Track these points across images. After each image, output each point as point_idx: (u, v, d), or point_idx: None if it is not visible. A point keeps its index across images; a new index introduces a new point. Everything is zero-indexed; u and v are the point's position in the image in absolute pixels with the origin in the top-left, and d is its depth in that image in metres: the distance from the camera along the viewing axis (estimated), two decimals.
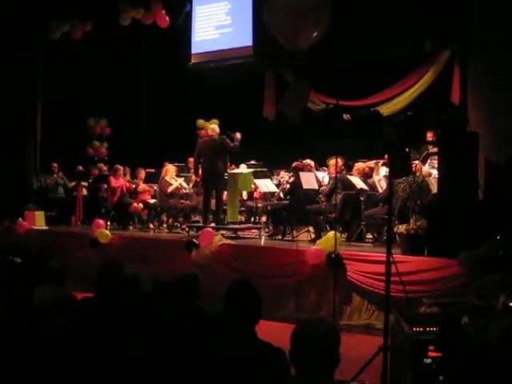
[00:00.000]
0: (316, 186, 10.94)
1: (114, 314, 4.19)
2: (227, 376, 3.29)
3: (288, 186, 11.71)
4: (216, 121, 13.61)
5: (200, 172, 12.06)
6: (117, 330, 3.88)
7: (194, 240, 10.25)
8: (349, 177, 10.84)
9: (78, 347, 3.41)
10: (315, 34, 7.98)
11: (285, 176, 12.54)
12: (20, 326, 3.61)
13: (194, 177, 12.98)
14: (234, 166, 12.75)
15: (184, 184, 13.06)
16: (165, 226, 13.25)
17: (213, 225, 11.25)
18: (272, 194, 12.13)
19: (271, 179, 12.40)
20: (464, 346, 2.70)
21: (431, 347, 5.07)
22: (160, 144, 15.96)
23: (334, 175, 10.28)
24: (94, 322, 3.99)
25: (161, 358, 3.59)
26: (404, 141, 6.37)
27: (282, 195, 11.87)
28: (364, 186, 10.51)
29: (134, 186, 13.63)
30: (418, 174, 9.59)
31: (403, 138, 6.28)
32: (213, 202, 11.81)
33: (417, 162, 10.11)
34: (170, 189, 12.65)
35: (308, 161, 11.45)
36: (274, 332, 4.91)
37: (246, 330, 3.48)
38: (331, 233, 9.12)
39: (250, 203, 12.95)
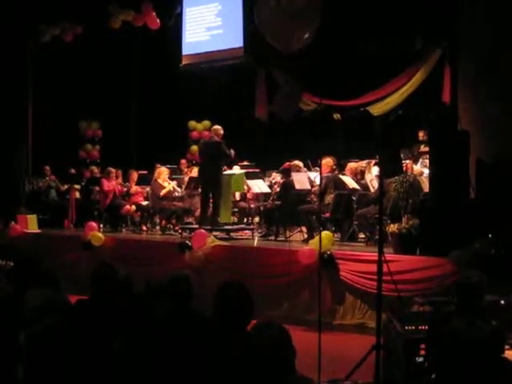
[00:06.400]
0: (309, 187, 10.94)
1: (108, 315, 4.19)
2: (219, 376, 3.29)
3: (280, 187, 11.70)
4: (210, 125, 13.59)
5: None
6: (111, 332, 3.88)
7: (187, 242, 10.25)
8: (341, 176, 10.85)
9: (71, 348, 3.41)
10: (307, 36, 7.97)
11: (276, 177, 12.54)
12: (10, 328, 3.61)
13: (186, 178, 12.98)
14: (226, 167, 12.73)
15: (177, 187, 13.04)
16: (158, 227, 13.22)
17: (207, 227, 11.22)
18: (265, 194, 12.12)
19: (263, 180, 12.39)
20: (455, 344, 2.72)
21: (423, 346, 5.10)
22: (152, 146, 15.94)
23: (324, 175, 10.32)
24: (88, 324, 3.99)
25: (153, 359, 3.59)
26: (395, 140, 6.40)
27: (275, 197, 11.85)
28: (356, 186, 10.54)
29: (125, 188, 13.59)
30: (409, 173, 9.62)
31: (394, 137, 6.30)
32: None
33: (408, 161, 10.15)
34: (163, 192, 12.58)
35: (296, 162, 11.45)
36: None
37: (238, 330, 3.48)
38: (324, 233, 9.14)
39: (242, 204, 12.94)
